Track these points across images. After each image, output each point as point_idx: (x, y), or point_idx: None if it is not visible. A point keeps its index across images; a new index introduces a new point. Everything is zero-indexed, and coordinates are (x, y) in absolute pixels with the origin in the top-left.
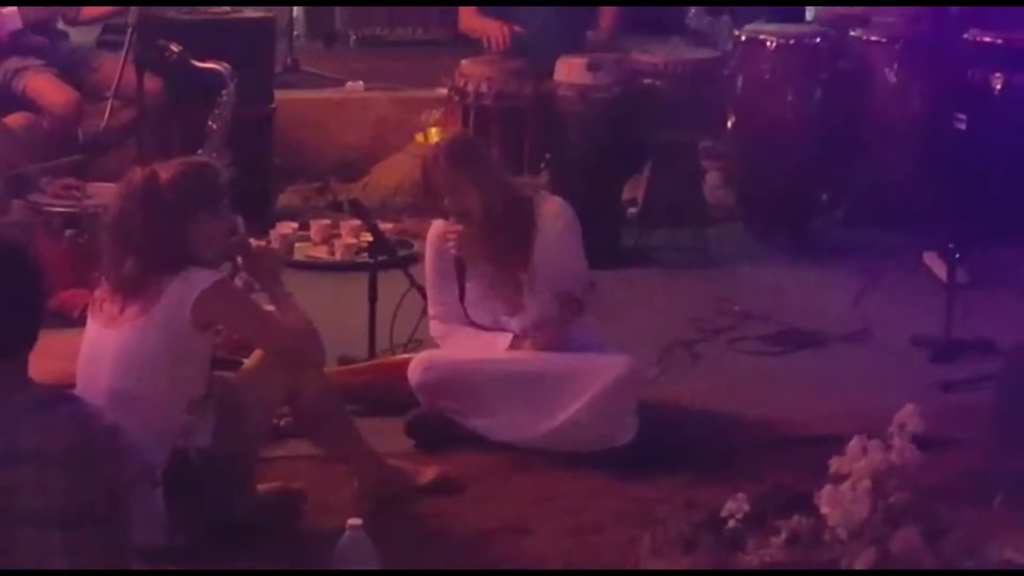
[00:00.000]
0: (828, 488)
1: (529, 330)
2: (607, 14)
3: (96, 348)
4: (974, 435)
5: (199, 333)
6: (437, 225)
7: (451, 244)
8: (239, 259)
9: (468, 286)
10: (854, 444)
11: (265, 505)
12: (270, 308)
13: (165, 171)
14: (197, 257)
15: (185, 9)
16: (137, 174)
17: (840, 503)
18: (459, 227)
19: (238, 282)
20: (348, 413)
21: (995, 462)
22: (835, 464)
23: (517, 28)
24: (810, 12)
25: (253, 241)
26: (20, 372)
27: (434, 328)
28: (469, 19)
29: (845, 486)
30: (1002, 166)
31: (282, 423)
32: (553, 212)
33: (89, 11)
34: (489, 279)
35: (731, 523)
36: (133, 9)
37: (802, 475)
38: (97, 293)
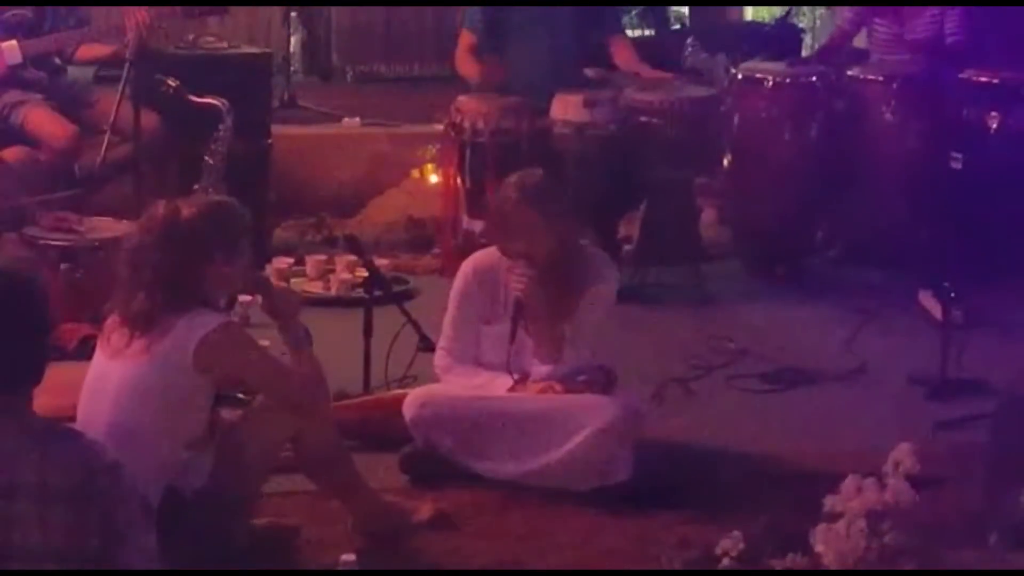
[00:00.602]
0: (823, 527)
1: (562, 380)
2: (622, 53)
3: (100, 379)
4: (969, 474)
5: (200, 375)
6: (482, 259)
7: (519, 286)
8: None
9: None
10: (849, 483)
11: (259, 541)
12: (265, 343)
13: (187, 208)
14: (209, 298)
15: (182, 44)
16: (159, 209)
17: (835, 542)
18: (527, 268)
19: (235, 315)
20: (348, 454)
21: (990, 501)
22: (830, 503)
23: (505, 85)
24: (806, 50)
25: (274, 281)
26: (23, 407)
27: (439, 358)
28: (464, 63)
29: (840, 525)
30: (998, 206)
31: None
32: (607, 274)
33: (85, 52)
34: (533, 325)
35: (725, 561)
36: (131, 44)
37: (797, 514)
38: (108, 323)
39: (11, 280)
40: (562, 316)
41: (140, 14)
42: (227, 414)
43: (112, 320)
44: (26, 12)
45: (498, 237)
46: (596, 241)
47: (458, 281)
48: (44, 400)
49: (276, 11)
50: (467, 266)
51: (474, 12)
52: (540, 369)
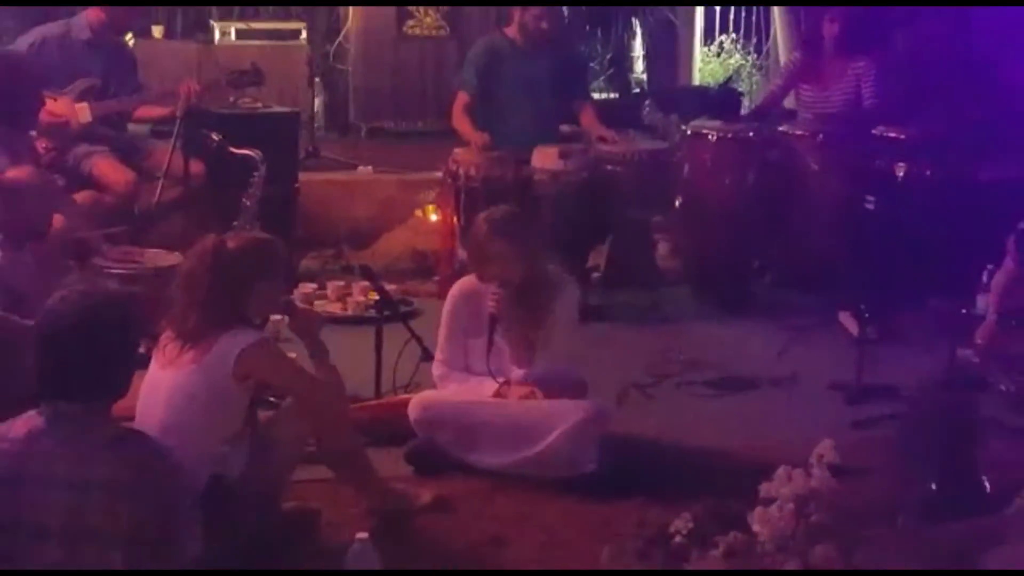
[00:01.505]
0: (759, 509)
1: (539, 381)
2: (589, 114)
3: (154, 385)
4: (881, 465)
5: (239, 383)
6: (465, 284)
7: (492, 304)
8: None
9: (488, 334)
10: (781, 472)
11: (287, 522)
12: (293, 355)
13: (233, 242)
14: (247, 317)
15: (224, 104)
16: (208, 242)
17: (769, 522)
18: (500, 290)
19: (268, 332)
20: (362, 447)
21: (898, 488)
22: (764, 489)
23: (495, 143)
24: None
25: (300, 303)
26: (104, 413)
27: (436, 368)
28: (459, 121)
29: (773, 508)
30: (904, 240)
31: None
32: (569, 290)
33: (143, 112)
34: (508, 335)
35: (677, 538)
36: (181, 106)
37: (737, 498)
38: (162, 338)
39: (107, 302)
40: (532, 327)
41: (191, 84)
42: (261, 414)
43: (166, 335)
44: (95, 81)
45: (474, 264)
46: (569, 268)
47: (447, 303)
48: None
49: (303, 76)
50: (454, 290)
51: (470, 77)
52: (517, 372)
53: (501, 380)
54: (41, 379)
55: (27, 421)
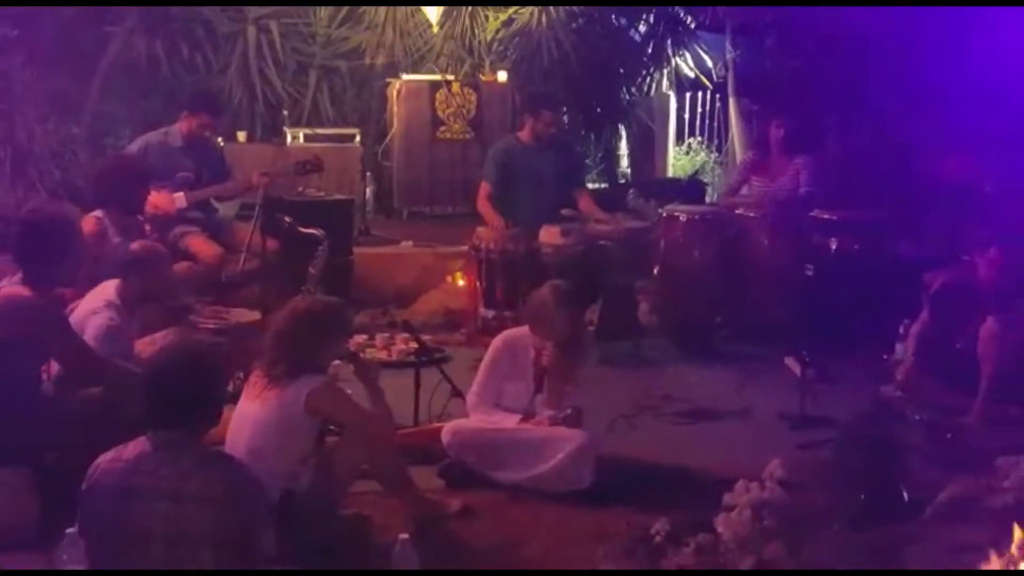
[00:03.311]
0: (722, 515)
1: (563, 419)
2: (585, 201)
3: (242, 415)
4: (820, 480)
5: (309, 416)
6: (510, 336)
7: (546, 357)
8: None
9: (526, 384)
10: (739, 485)
11: (345, 526)
12: (349, 392)
13: (315, 305)
14: (320, 365)
15: (295, 194)
16: (296, 305)
17: (730, 525)
18: (552, 346)
19: (331, 373)
20: (405, 466)
21: (834, 499)
22: (727, 499)
23: (510, 224)
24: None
25: (362, 355)
26: (198, 438)
27: (471, 397)
28: (482, 207)
29: (734, 514)
30: (837, 301)
31: None
32: (592, 349)
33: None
34: (550, 385)
35: (657, 539)
36: (260, 193)
37: (705, 507)
38: (252, 376)
39: (202, 351)
40: (568, 378)
41: (266, 176)
42: (327, 440)
43: (256, 374)
44: (189, 174)
45: (533, 323)
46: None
47: (491, 350)
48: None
49: (357, 170)
50: (499, 341)
51: (490, 171)
52: (545, 412)
53: (521, 418)
54: (148, 412)
55: (136, 445)
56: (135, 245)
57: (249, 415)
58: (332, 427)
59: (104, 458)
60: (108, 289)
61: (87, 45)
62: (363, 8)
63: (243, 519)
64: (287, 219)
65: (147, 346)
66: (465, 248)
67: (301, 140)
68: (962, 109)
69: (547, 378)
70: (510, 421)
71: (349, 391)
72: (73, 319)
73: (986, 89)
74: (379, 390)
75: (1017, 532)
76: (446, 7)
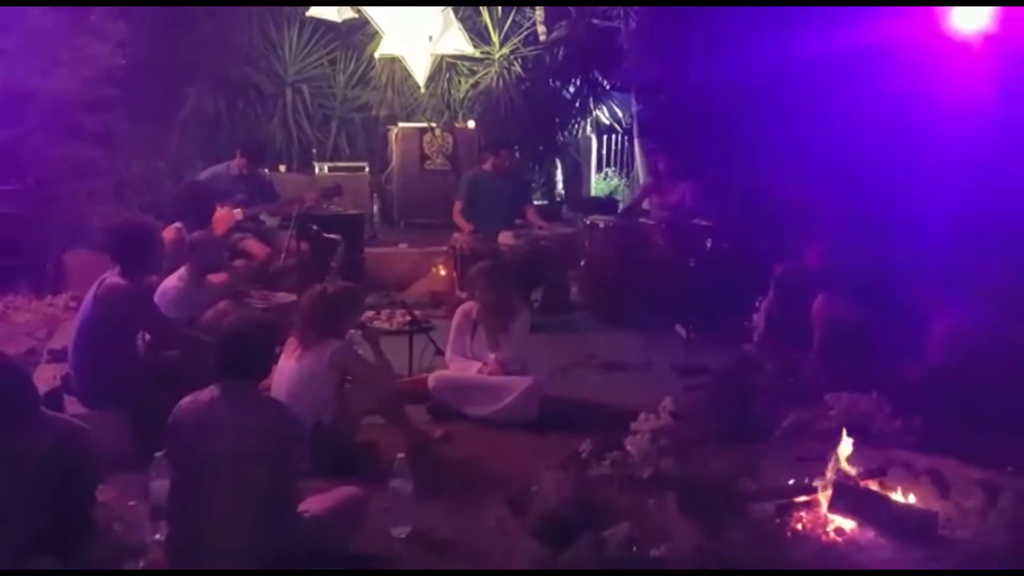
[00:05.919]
0: (629, 438)
1: (503, 362)
2: (531, 213)
3: (283, 369)
4: (700, 412)
5: (331, 370)
6: (464, 306)
7: (475, 315)
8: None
9: (477, 334)
10: (642, 417)
11: (359, 448)
12: (360, 351)
13: (332, 289)
14: (339, 333)
15: (321, 210)
16: (318, 289)
17: (635, 445)
18: (479, 306)
19: (348, 338)
20: (402, 405)
21: (710, 425)
22: (633, 426)
23: (477, 230)
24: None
25: (369, 325)
26: (255, 386)
27: (447, 353)
28: (456, 218)
29: (638, 437)
30: (712, 284)
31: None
32: (524, 311)
33: (274, 213)
34: (486, 334)
35: (583, 455)
36: (296, 211)
37: (618, 431)
38: (288, 341)
39: (259, 322)
40: (500, 329)
41: (300, 200)
42: (345, 387)
43: (291, 340)
44: (244, 196)
45: (469, 292)
46: (521, 299)
47: (455, 318)
48: None
49: (367, 192)
50: (459, 310)
51: (462, 193)
52: (488, 355)
53: (481, 363)
54: (219, 365)
55: (210, 391)
56: (195, 235)
57: (287, 370)
58: (348, 378)
59: (184, 401)
60: (181, 270)
61: (170, 102)
62: (371, 73)
63: (286, 444)
64: (315, 228)
65: (212, 314)
66: (445, 248)
67: (326, 171)
68: (807, 144)
69: (480, 328)
70: (472, 369)
71: (360, 351)
72: (158, 291)
73: (827, 129)
74: (380, 350)
75: (841, 447)
76: (431, 74)
